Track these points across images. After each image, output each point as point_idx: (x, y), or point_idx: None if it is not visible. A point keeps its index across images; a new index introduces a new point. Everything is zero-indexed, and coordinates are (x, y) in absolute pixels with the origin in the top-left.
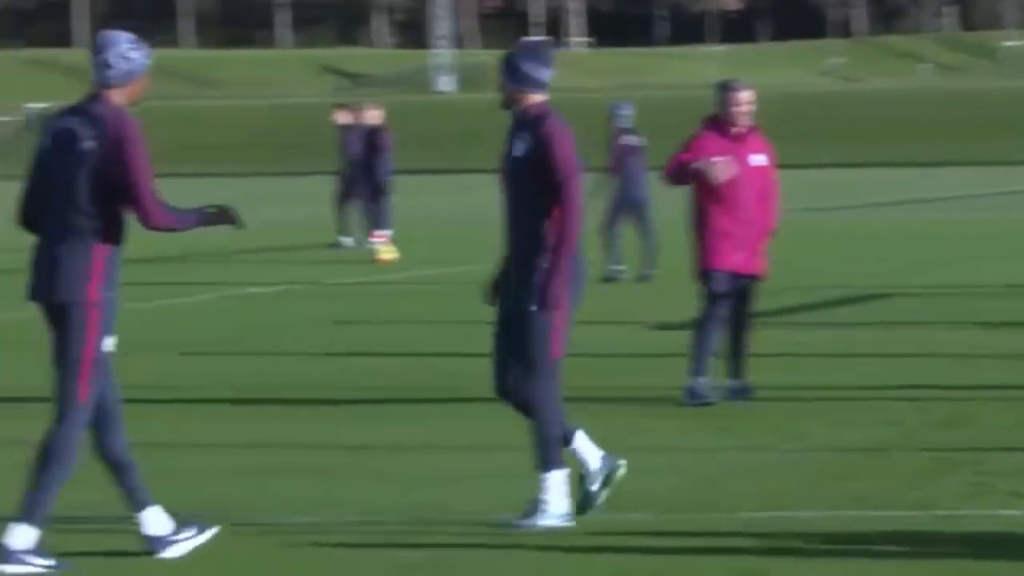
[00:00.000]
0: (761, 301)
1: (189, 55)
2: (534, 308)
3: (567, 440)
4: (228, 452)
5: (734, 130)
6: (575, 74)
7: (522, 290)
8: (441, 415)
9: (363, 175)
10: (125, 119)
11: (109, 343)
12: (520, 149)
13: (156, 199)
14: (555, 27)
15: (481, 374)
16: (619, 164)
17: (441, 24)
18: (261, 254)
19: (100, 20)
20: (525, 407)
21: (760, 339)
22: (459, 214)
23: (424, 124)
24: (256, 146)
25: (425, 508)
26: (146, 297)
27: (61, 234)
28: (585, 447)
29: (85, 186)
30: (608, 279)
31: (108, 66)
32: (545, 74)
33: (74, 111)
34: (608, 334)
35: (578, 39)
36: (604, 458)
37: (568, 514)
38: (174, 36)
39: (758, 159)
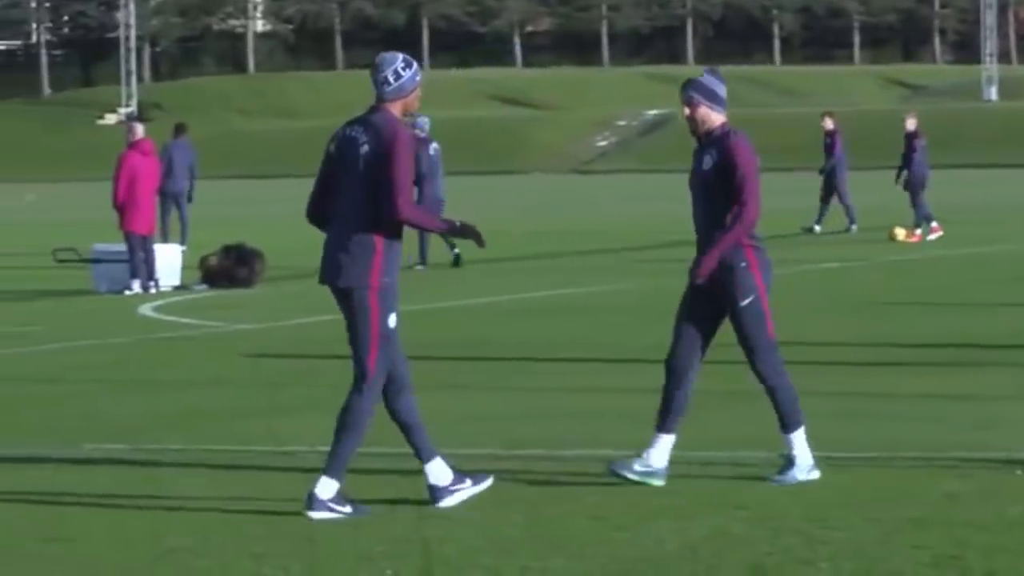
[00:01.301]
0: None
1: (778, 70)
2: (745, 303)
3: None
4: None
5: None
6: None
7: (731, 288)
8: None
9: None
10: (397, 127)
11: (393, 320)
12: (708, 163)
13: (409, 197)
14: None
15: None
16: None
17: (990, 43)
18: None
19: (704, 41)
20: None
21: None
22: (999, 202)
23: (971, 128)
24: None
25: (971, 447)
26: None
27: (346, 228)
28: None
29: (363, 185)
30: None
31: (385, 83)
32: (725, 93)
33: (357, 121)
34: None
35: None
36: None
37: (812, 465)
38: (770, 55)
39: None
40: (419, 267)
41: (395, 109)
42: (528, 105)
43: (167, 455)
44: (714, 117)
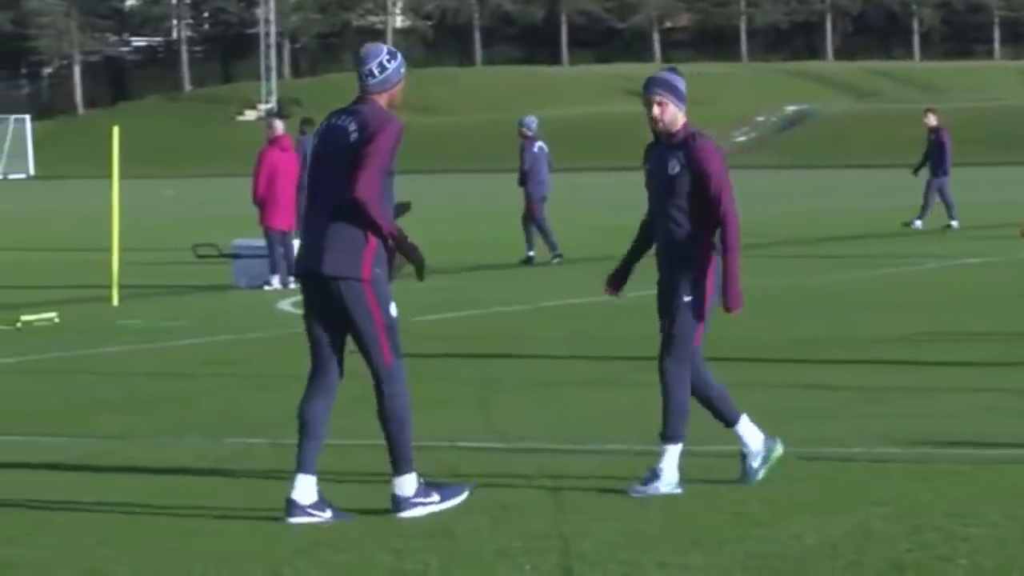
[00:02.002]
0: None
1: (918, 66)
2: (688, 299)
3: (731, 422)
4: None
5: None
6: None
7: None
8: None
9: None
10: (388, 115)
11: (394, 309)
12: (676, 167)
13: (374, 184)
14: None
15: None
16: None
17: None
18: (969, 232)
19: (843, 36)
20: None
21: None
22: None
23: None
24: (970, 141)
25: None
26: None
27: (332, 217)
28: (748, 429)
29: (350, 174)
30: None
31: (370, 75)
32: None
33: (344, 111)
34: None
35: None
36: (765, 440)
37: (677, 483)
38: (909, 50)
39: None
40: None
41: (381, 101)
42: None
43: None
44: (680, 117)
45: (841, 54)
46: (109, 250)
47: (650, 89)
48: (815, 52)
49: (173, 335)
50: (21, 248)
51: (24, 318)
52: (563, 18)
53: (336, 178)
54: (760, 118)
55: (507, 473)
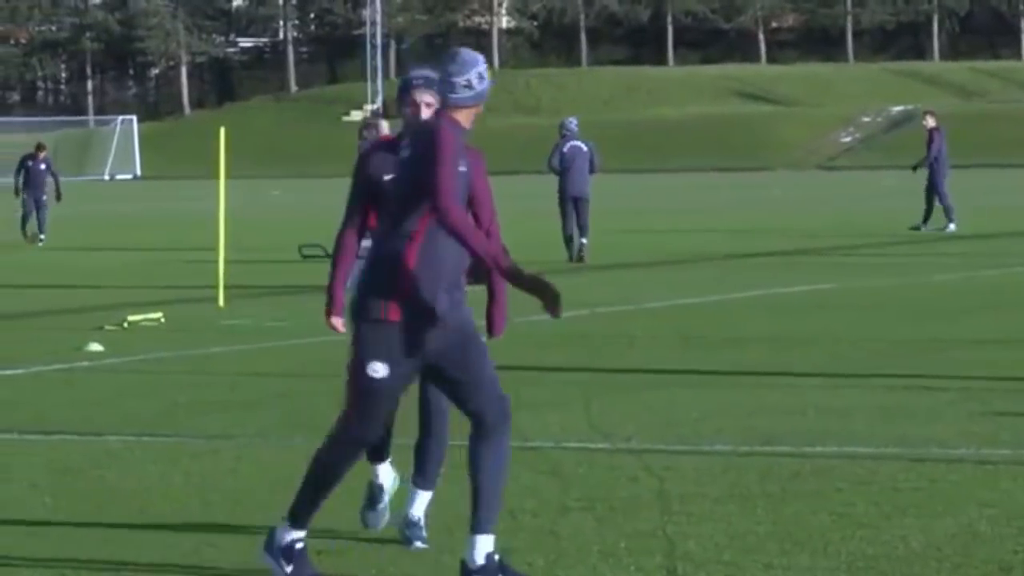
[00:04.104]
0: None
1: None
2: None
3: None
4: None
5: None
6: None
7: None
8: None
9: None
10: (441, 127)
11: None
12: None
13: (456, 197)
14: None
15: None
16: None
17: None
18: None
19: (950, 36)
20: None
21: None
22: None
23: None
24: None
25: None
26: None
27: (376, 247)
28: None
29: (403, 193)
30: None
31: (468, 87)
32: None
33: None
34: None
35: None
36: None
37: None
38: (1017, 50)
39: None
40: None
41: (462, 118)
42: (773, 101)
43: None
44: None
45: (947, 54)
46: (215, 250)
47: (423, 87)
48: (921, 52)
49: (279, 335)
50: (128, 248)
51: (130, 318)
52: (669, 19)
53: (388, 198)
54: (866, 118)
55: (612, 473)
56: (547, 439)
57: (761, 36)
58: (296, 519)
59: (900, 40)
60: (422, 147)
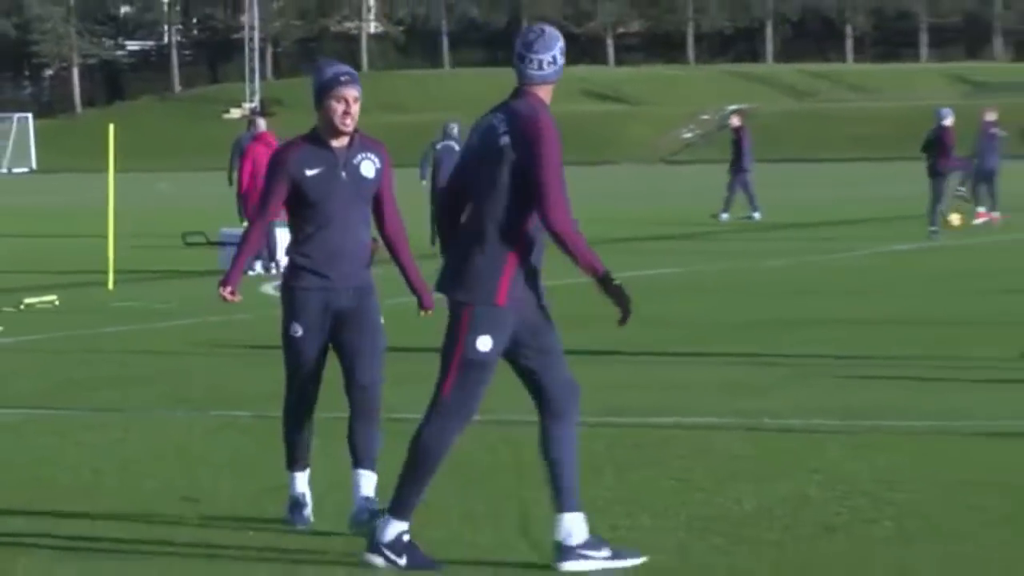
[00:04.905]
0: None
1: (851, 68)
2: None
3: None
4: None
5: None
6: None
7: None
8: None
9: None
10: (540, 116)
11: (486, 343)
12: (373, 170)
13: (564, 209)
14: None
15: None
16: None
17: None
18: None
19: (783, 41)
20: None
21: None
22: None
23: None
24: (899, 137)
25: None
26: None
27: (477, 233)
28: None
29: (500, 183)
30: None
31: (553, 63)
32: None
33: (499, 108)
34: None
35: None
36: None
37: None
38: (842, 54)
39: None
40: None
41: (542, 95)
42: (620, 101)
43: None
44: None
45: (781, 57)
46: (105, 238)
47: (351, 83)
48: (756, 56)
49: (165, 316)
50: (24, 236)
51: (27, 300)
52: (524, 23)
53: (488, 185)
54: (705, 117)
55: (474, 443)
56: (414, 411)
57: (609, 40)
58: (400, 511)
59: (737, 44)
60: (523, 139)
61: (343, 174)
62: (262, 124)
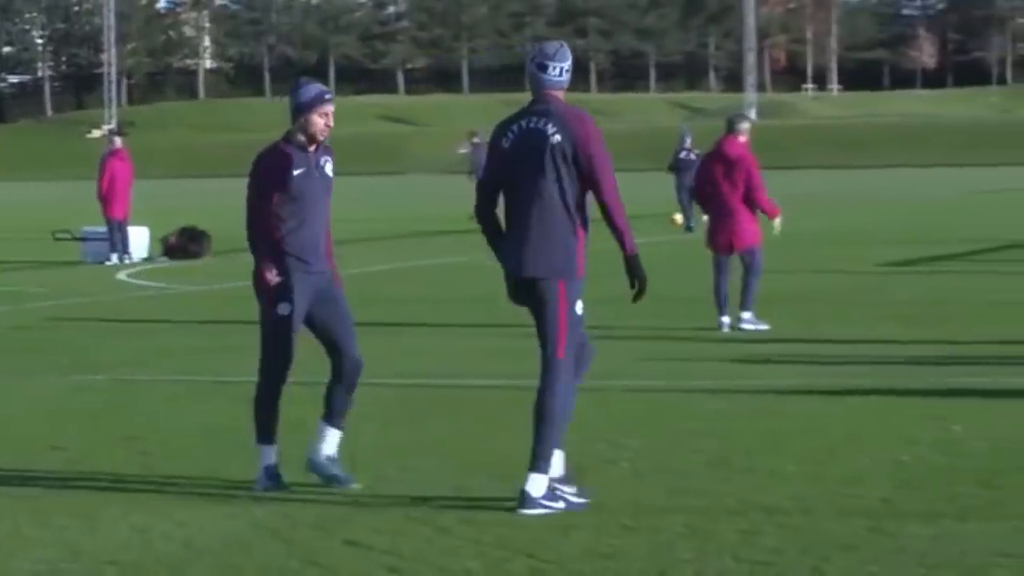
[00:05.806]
0: None
1: (595, 96)
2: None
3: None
4: None
5: None
6: (832, 109)
7: None
8: None
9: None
10: (586, 115)
11: (581, 306)
12: (331, 170)
13: (615, 189)
14: (820, 77)
15: None
16: None
17: (751, 77)
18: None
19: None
20: None
21: None
22: None
23: None
24: (634, 153)
25: (742, 376)
26: None
27: (541, 219)
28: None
29: (560, 175)
30: None
31: (562, 73)
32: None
33: (533, 113)
34: None
35: (834, 86)
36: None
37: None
38: (587, 85)
39: None
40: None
41: (561, 97)
42: (408, 123)
43: (138, 385)
44: None
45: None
46: None
47: (332, 101)
48: (520, 86)
49: (36, 298)
50: None
51: None
52: (331, 60)
53: (540, 180)
54: (477, 139)
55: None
56: (241, 374)
57: (400, 74)
58: (543, 466)
59: (505, 77)
60: (577, 136)
61: (317, 174)
62: (118, 142)
